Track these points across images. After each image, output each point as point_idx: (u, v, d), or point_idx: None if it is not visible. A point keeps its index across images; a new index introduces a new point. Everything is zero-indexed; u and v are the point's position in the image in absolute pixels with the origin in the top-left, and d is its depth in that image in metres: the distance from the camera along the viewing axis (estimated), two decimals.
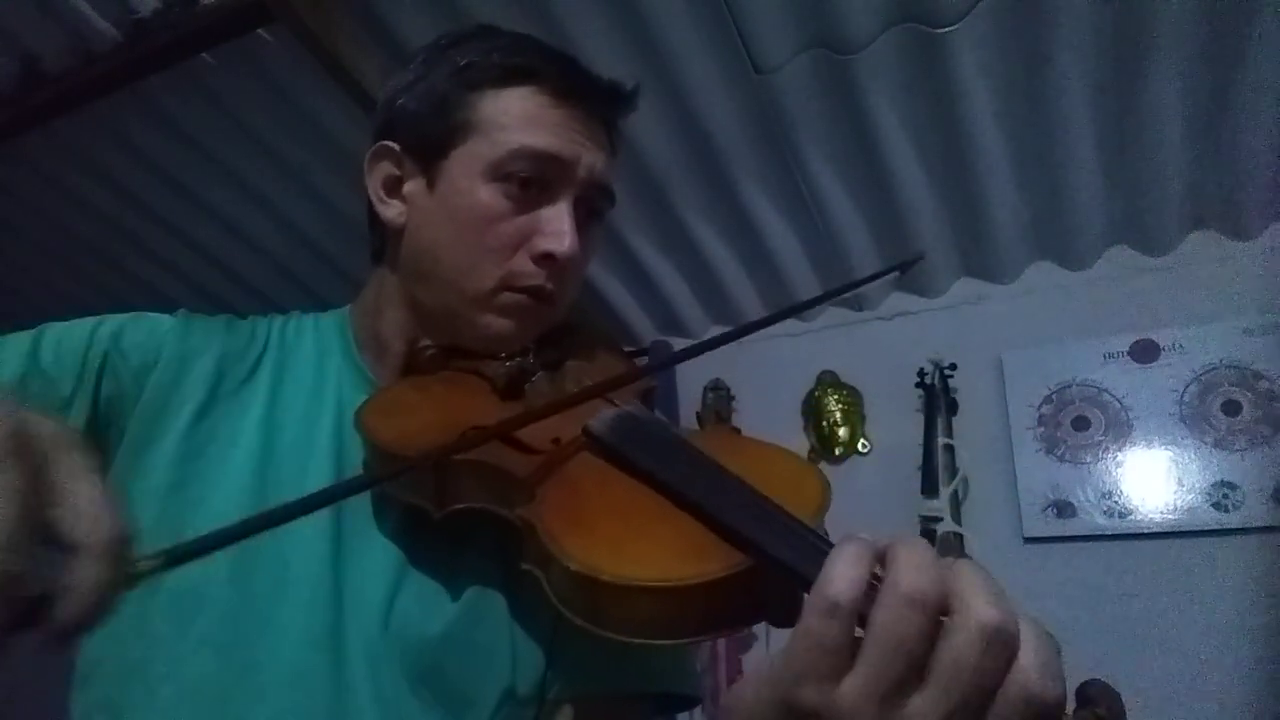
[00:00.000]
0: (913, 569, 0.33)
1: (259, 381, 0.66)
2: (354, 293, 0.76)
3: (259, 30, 1.64)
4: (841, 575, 0.34)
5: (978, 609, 0.32)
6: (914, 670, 0.32)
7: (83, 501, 0.30)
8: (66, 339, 0.61)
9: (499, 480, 0.52)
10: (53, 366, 0.59)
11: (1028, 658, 0.32)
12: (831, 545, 0.37)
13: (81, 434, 0.58)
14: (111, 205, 2.20)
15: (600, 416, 0.55)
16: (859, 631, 0.34)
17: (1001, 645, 0.32)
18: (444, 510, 0.54)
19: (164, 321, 0.66)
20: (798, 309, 0.62)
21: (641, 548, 0.44)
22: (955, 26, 1.47)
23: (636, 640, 0.42)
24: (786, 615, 0.37)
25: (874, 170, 1.80)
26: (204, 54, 1.72)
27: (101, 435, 0.61)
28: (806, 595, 0.35)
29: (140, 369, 0.62)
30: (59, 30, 1.69)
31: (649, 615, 0.41)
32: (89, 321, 0.63)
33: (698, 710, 0.61)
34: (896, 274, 0.68)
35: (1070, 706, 0.34)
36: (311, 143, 1.90)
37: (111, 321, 0.64)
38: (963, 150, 1.73)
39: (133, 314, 0.66)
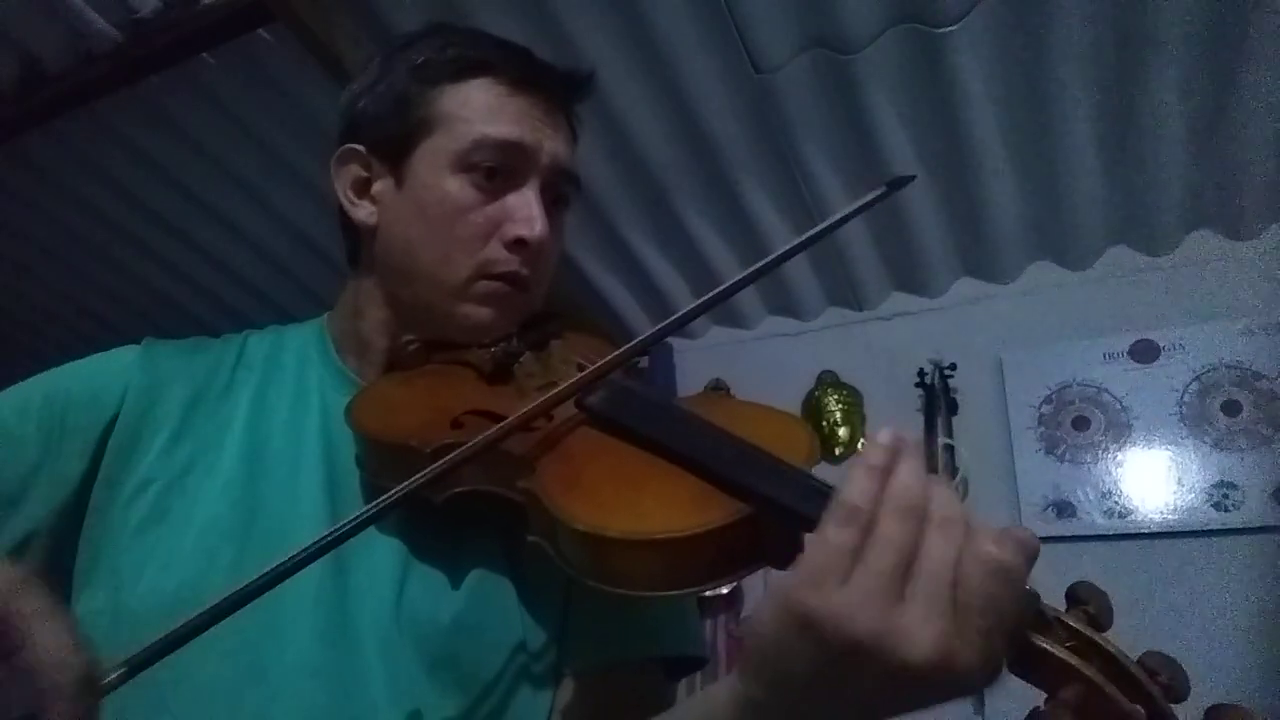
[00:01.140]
0: (902, 485, 0.38)
1: (238, 397, 0.66)
2: None
3: (259, 30, 1.64)
4: (858, 485, 0.37)
5: (943, 510, 0.38)
6: (906, 570, 0.36)
7: (48, 644, 0.33)
8: (17, 405, 0.61)
9: (498, 460, 0.52)
10: (15, 430, 0.60)
11: (984, 539, 0.37)
12: (829, 486, 0.40)
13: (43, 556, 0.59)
14: (111, 205, 2.20)
15: (593, 389, 0.56)
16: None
17: (961, 531, 0.37)
18: (444, 495, 0.54)
19: (125, 355, 0.66)
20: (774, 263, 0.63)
21: (645, 504, 0.46)
22: (955, 26, 1.47)
23: (647, 593, 0.44)
24: (787, 557, 0.40)
25: (874, 170, 1.80)
26: (204, 54, 1.72)
27: (85, 488, 0.60)
28: (808, 535, 0.38)
29: (105, 409, 0.62)
30: (59, 30, 1.69)
31: (657, 567, 0.43)
32: (44, 379, 0.63)
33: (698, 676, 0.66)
34: (883, 193, 0.68)
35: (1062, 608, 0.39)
36: (311, 142, 1.89)
37: (65, 374, 0.64)
38: (963, 150, 1.73)
39: (91, 357, 0.66)
